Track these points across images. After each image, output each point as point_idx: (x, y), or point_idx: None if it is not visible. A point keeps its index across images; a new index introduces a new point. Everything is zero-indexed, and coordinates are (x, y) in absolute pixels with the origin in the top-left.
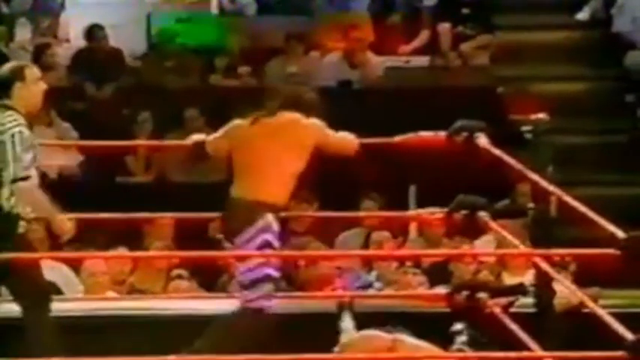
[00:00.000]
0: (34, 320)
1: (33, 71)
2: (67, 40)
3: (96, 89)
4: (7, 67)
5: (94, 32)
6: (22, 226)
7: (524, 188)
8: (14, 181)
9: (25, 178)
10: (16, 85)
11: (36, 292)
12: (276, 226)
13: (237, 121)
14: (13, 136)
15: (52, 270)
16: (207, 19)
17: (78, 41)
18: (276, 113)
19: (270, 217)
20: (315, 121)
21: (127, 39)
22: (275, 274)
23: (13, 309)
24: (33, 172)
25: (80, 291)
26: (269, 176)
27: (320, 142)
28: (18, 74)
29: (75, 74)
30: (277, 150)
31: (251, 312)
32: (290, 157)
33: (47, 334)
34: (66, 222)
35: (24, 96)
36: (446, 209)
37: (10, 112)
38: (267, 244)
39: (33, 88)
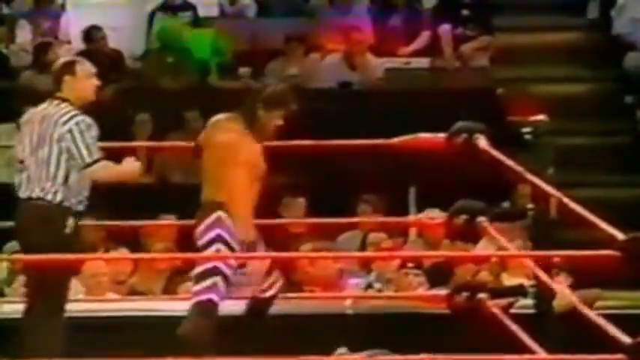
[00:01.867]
0: (46, 323)
1: (84, 67)
2: (68, 42)
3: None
4: (60, 61)
5: (92, 34)
6: (69, 226)
7: (525, 189)
8: (88, 165)
9: (97, 161)
10: (65, 79)
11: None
12: (229, 222)
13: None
14: (77, 123)
15: None
16: (207, 20)
17: (78, 43)
18: (252, 112)
19: (220, 213)
20: (232, 142)
21: (128, 40)
22: (223, 267)
23: (16, 309)
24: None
25: (81, 292)
26: (215, 180)
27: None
28: (68, 69)
29: None
30: (212, 160)
31: (199, 305)
32: (225, 169)
33: (57, 337)
34: (135, 165)
35: (75, 88)
36: (445, 213)
37: (64, 104)
38: (219, 237)
39: (84, 81)
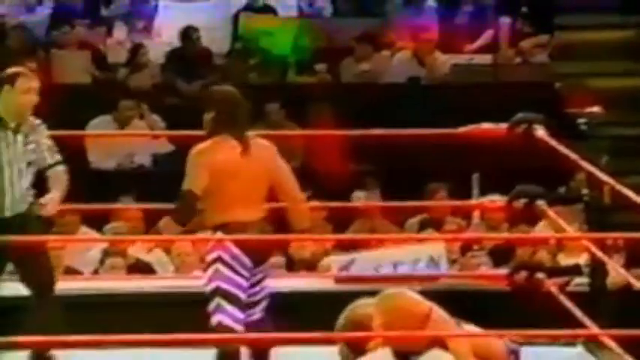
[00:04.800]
0: (42, 304)
1: (25, 80)
2: (160, 41)
3: (186, 85)
4: (5, 72)
5: (188, 33)
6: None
7: (581, 176)
8: (54, 165)
9: (61, 162)
10: (4, 88)
11: (43, 278)
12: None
13: None
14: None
15: (148, 252)
16: (287, 20)
17: (169, 41)
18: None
19: (218, 234)
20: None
21: (214, 39)
22: (225, 286)
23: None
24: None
25: (171, 270)
26: (206, 202)
27: None
28: (9, 80)
29: (168, 72)
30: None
31: (214, 331)
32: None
33: (54, 316)
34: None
35: (9, 101)
36: (506, 197)
37: None
38: (218, 258)
39: (20, 96)
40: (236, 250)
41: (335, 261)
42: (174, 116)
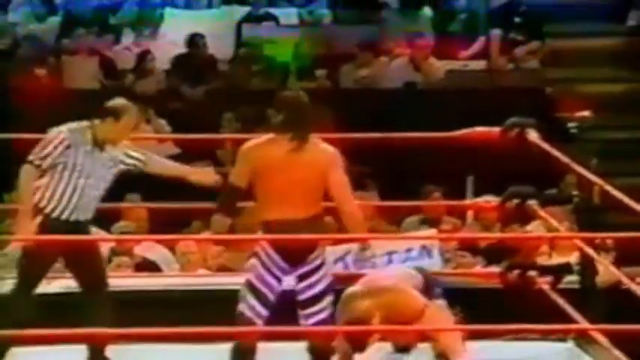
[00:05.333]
0: (96, 300)
1: (129, 119)
2: (166, 48)
3: (190, 90)
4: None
5: (195, 40)
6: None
7: (572, 179)
8: (147, 157)
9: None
10: (108, 120)
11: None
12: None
13: None
14: None
15: (153, 251)
16: (288, 28)
17: (175, 48)
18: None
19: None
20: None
21: (218, 46)
22: (254, 281)
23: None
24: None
25: (176, 268)
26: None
27: None
28: (114, 113)
29: (173, 77)
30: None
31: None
32: None
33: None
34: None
35: (108, 132)
36: (499, 198)
37: None
38: (255, 253)
39: (120, 133)
40: (270, 250)
41: (331, 252)
42: (179, 120)
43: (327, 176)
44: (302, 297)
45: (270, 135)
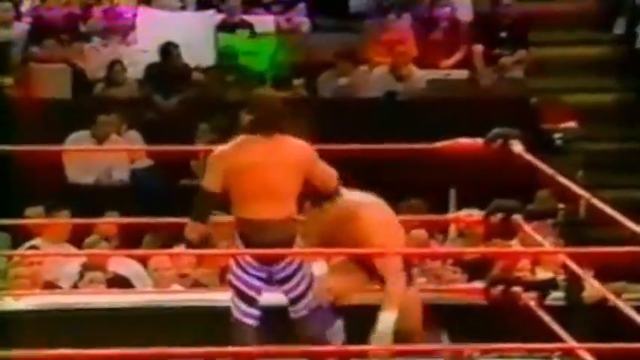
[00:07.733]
0: None
1: None
2: (138, 56)
3: (163, 100)
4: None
5: (168, 49)
6: None
7: (545, 193)
8: None
9: None
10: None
11: None
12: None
13: None
14: None
15: (125, 266)
16: (264, 36)
17: (147, 57)
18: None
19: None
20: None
21: (193, 54)
22: (235, 282)
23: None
24: None
25: (149, 284)
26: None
27: None
28: None
29: (146, 87)
30: None
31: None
32: None
33: None
34: None
35: None
36: (483, 212)
37: None
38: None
39: None
40: (244, 250)
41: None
42: (152, 131)
43: (310, 174)
44: (288, 296)
45: (241, 137)
